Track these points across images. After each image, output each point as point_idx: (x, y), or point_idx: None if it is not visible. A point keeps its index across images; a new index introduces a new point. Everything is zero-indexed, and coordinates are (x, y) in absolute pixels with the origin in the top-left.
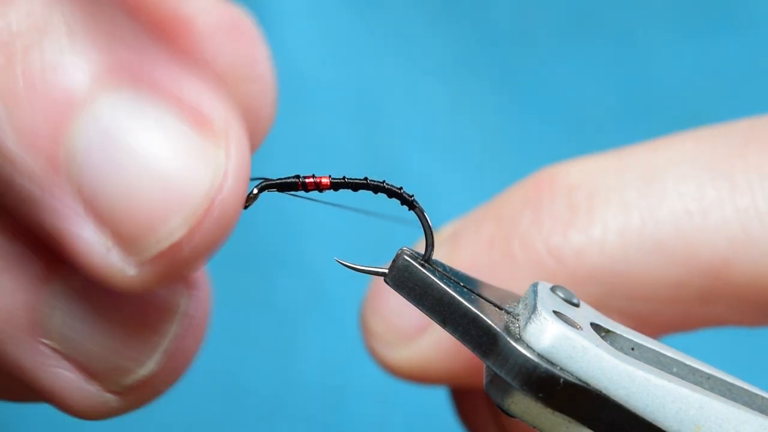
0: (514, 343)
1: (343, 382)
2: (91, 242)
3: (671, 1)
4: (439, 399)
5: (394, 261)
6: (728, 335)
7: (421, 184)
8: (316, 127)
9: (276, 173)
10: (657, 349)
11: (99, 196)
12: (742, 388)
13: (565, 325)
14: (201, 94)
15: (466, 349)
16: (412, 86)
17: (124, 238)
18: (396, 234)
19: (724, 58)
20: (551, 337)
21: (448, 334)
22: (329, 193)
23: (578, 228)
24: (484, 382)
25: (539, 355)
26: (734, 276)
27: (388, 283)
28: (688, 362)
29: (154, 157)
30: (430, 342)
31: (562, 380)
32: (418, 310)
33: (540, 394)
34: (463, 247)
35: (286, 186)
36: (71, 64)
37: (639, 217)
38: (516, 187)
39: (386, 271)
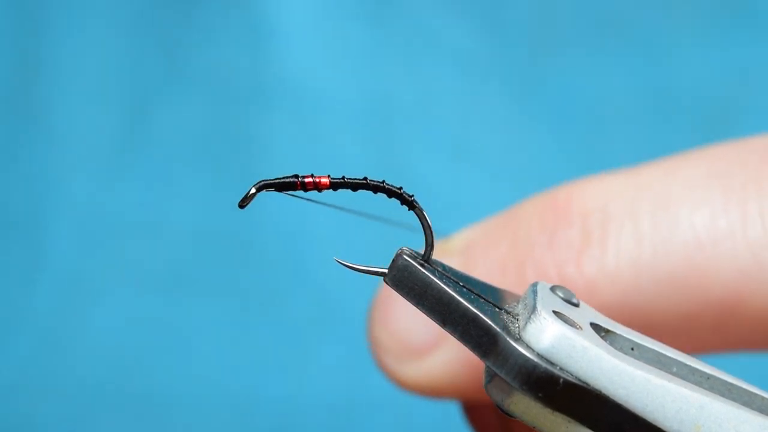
0: (513, 343)
1: (353, 396)
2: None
3: (694, 4)
4: (451, 413)
5: (393, 261)
6: None
7: (433, 188)
8: (327, 134)
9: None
10: (657, 349)
11: None
12: (741, 388)
13: (565, 325)
14: None
15: (477, 366)
16: (426, 90)
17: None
18: (404, 235)
19: (748, 62)
20: (551, 337)
21: (459, 350)
22: (329, 195)
23: (592, 257)
24: (484, 382)
25: (539, 355)
26: (747, 309)
27: (387, 283)
28: (688, 362)
29: None
30: (442, 359)
31: (561, 380)
32: (428, 323)
33: (540, 394)
34: (476, 265)
35: (284, 186)
36: None
37: (651, 248)
38: (532, 204)
39: (386, 271)
